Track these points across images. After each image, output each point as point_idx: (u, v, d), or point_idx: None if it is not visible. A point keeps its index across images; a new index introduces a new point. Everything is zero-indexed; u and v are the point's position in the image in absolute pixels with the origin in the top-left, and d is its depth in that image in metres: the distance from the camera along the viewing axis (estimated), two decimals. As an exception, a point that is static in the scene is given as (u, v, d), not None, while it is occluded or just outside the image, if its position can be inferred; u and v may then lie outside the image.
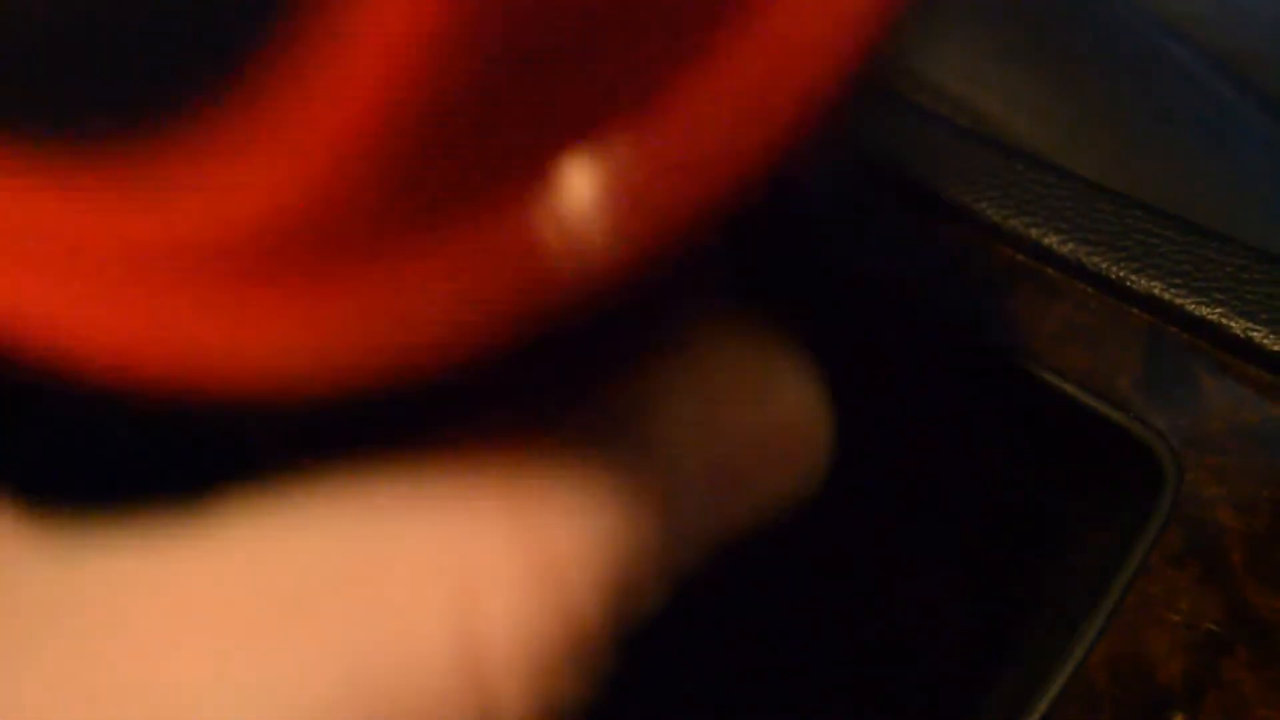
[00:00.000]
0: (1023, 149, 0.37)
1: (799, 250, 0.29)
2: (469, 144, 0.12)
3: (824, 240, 0.30)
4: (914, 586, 0.32)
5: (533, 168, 0.12)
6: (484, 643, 0.13)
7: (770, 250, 0.17)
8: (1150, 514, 0.27)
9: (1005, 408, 0.29)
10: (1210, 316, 0.28)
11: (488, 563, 0.13)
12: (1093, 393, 0.28)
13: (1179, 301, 0.28)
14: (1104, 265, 0.29)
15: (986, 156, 0.31)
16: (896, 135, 0.31)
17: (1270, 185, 0.38)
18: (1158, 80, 0.40)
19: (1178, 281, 0.28)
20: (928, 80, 0.40)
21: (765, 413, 0.16)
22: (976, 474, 0.31)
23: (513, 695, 0.13)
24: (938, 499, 0.31)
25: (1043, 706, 0.25)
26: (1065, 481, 0.29)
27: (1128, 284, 0.29)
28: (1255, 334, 0.28)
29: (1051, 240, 0.29)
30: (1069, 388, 0.28)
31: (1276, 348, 0.28)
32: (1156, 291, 0.28)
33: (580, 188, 0.12)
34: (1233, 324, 0.28)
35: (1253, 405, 0.27)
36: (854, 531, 0.31)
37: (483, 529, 0.13)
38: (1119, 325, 0.28)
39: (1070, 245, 0.29)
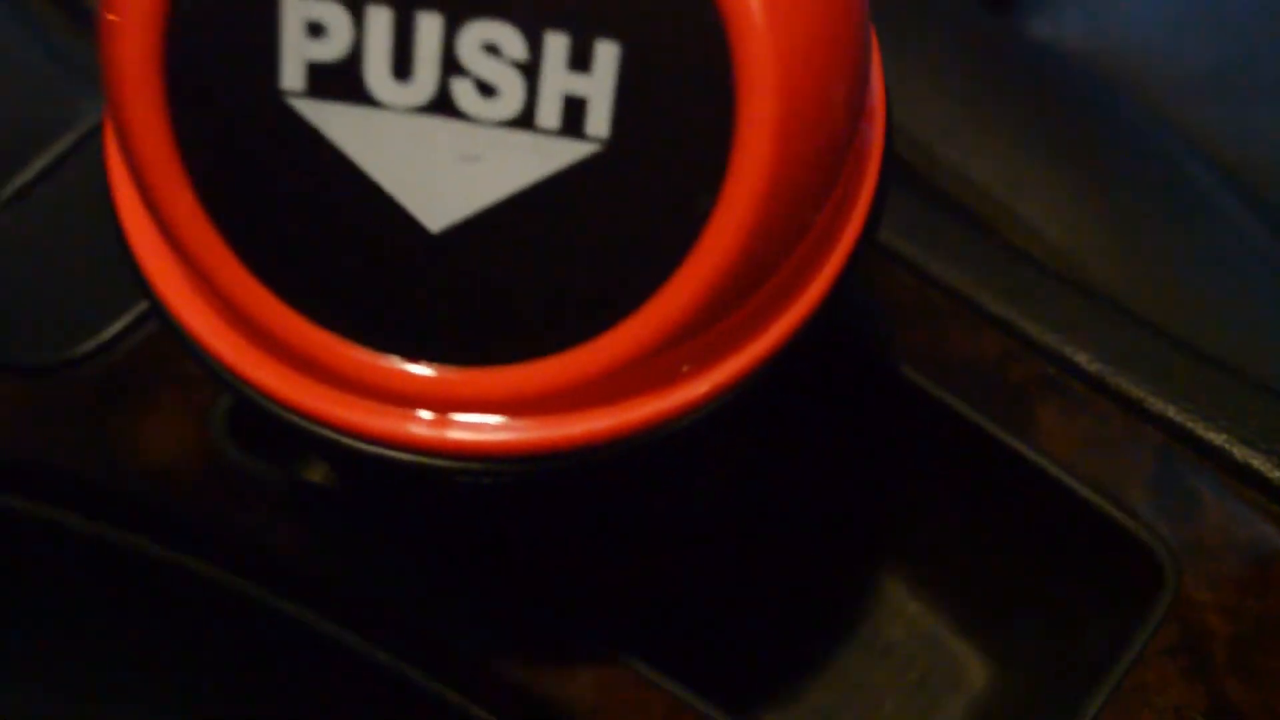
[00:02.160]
0: (1055, 260, 0.41)
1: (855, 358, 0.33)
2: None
3: (871, 344, 0.34)
4: (939, 655, 0.36)
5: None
6: None
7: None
8: (1149, 610, 0.31)
9: (1030, 506, 0.33)
10: (1215, 441, 0.32)
11: None
12: (1107, 498, 0.32)
13: (1189, 425, 0.32)
14: (1125, 385, 0.33)
15: (1026, 273, 0.35)
16: (944, 246, 0.35)
17: (1274, 307, 0.42)
18: (1181, 201, 0.44)
19: (1189, 407, 0.32)
20: (973, 183, 0.44)
21: None
22: (1002, 562, 0.35)
23: None
24: (969, 583, 0.35)
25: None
26: (1077, 574, 0.33)
27: (1145, 404, 0.33)
28: (1254, 461, 0.32)
29: (1080, 358, 0.33)
30: (1086, 492, 0.32)
31: (1270, 475, 0.31)
32: (1170, 414, 0.32)
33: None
34: (1235, 450, 0.32)
35: (1246, 524, 0.31)
36: (894, 604, 0.35)
37: None
38: (1134, 440, 0.32)
39: (1096, 364, 0.33)
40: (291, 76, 0.20)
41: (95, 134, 0.36)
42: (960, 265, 0.35)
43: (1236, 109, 0.49)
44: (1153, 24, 0.51)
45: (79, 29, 0.39)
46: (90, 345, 0.34)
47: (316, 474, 0.32)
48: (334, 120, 0.20)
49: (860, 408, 0.35)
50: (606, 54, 0.19)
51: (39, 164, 0.37)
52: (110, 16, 0.20)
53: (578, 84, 0.19)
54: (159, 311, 0.24)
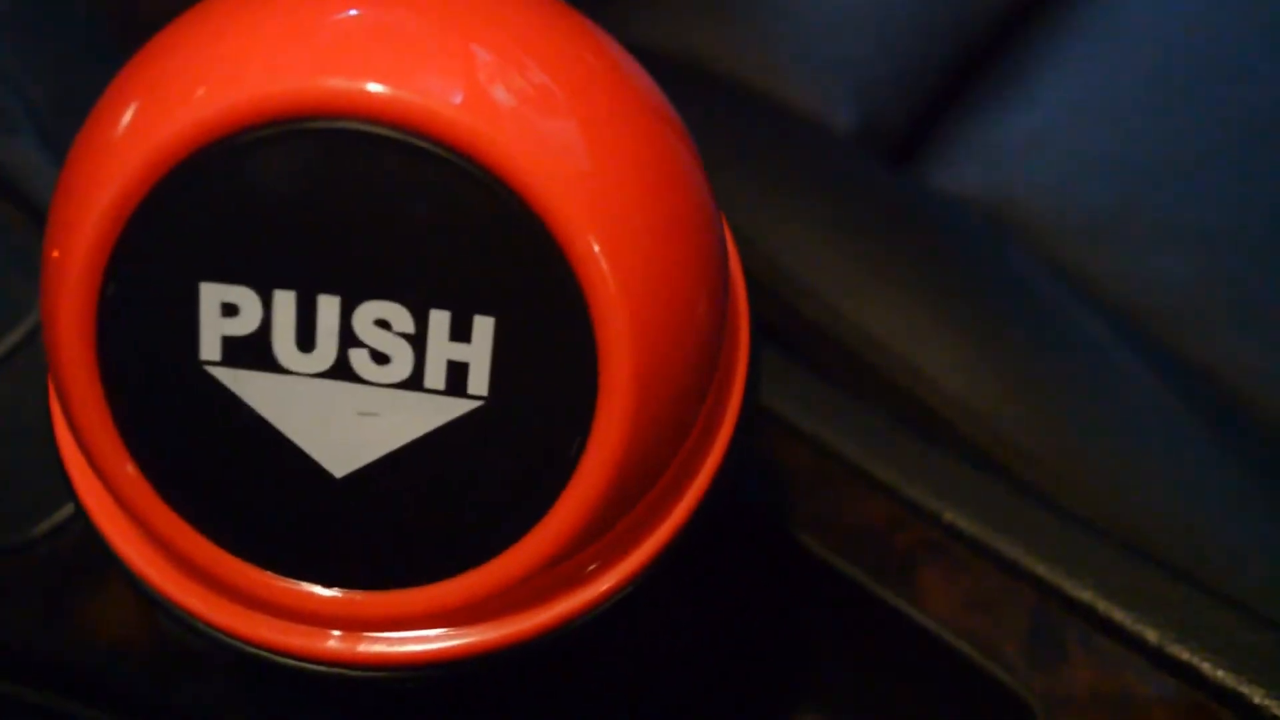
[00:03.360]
0: (953, 410, 0.44)
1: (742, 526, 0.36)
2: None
3: (771, 512, 0.36)
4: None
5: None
6: None
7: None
8: (1027, 758, 0.34)
9: (916, 660, 0.36)
10: (1082, 598, 0.35)
11: None
12: (985, 654, 0.35)
13: (1058, 583, 0.35)
14: (1001, 547, 0.36)
15: (914, 441, 0.38)
16: (840, 418, 0.38)
17: (1160, 458, 0.45)
18: (1074, 351, 0.47)
19: (1059, 567, 0.35)
20: (872, 338, 0.47)
21: None
22: (897, 709, 0.37)
23: None
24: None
25: None
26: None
27: (1019, 565, 0.35)
28: (1115, 614, 0.34)
29: (961, 522, 0.36)
30: (965, 649, 0.35)
31: (1131, 627, 0.34)
32: (1041, 572, 0.35)
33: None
34: (1099, 605, 0.35)
35: (1112, 675, 0.34)
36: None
37: None
38: (1010, 598, 0.35)
39: (976, 528, 0.36)
40: (209, 348, 0.22)
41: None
42: (854, 436, 0.38)
43: (1131, 253, 0.52)
44: (1049, 172, 0.54)
45: (37, 229, 0.41)
46: (45, 527, 0.36)
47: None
48: (247, 384, 0.23)
49: (758, 572, 0.38)
50: (483, 326, 0.22)
51: (-4, 349, 0.39)
52: (54, 253, 0.23)
53: (459, 351, 0.22)
54: (90, 532, 0.26)
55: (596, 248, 0.22)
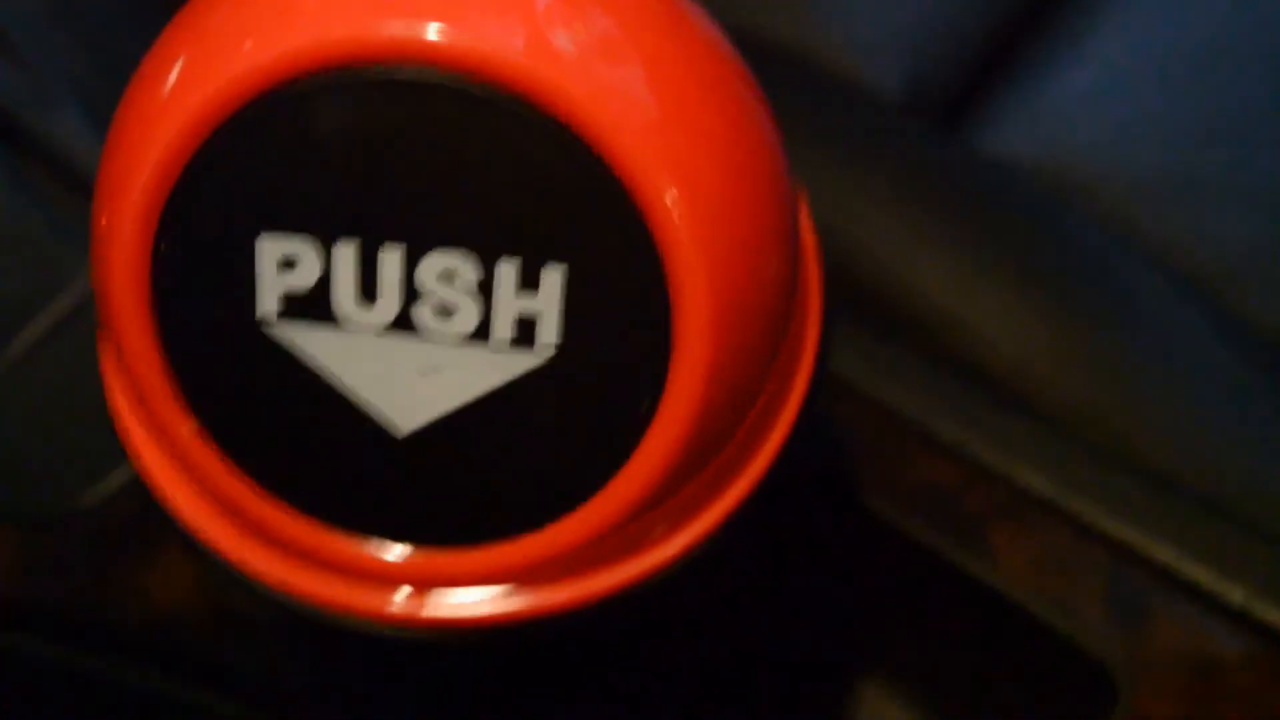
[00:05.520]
0: (1009, 374, 0.43)
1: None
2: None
3: (833, 476, 0.36)
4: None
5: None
6: None
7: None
8: (1106, 724, 0.33)
9: (989, 625, 0.35)
10: (1161, 558, 0.34)
11: None
12: (1061, 616, 0.34)
13: (1136, 543, 0.34)
14: (1075, 507, 0.35)
15: (981, 399, 0.37)
16: (901, 376, 0.37)
17: (1225, 417, 0.44)
18: (1134, 311, 0.46)
19: (1136, 526, 0.34)
20: (927, 300, 0.46)
21: None
22: (969, 677, 0.36)
23: None
24: (941, 696, 0.37)
25: None
26: (1037, 689, 0.35)
27: (1095, 525, 0.34)
28: (1197, 574, 0.33)
29: (1033, 482, 0.35)
30: (1041, 610, 0.34)
31: (1215, 589, 0.33)
32: (1119, 533, 0.34)
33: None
34: (1181, 567, 0.34)
35: (1196, 637, 0.33)
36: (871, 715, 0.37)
37: None
38: (1085, 560, 0.34)
39: (1048, 488, 0.35)
40: (267, 303, 0.22)
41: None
42: (918, 396, 0.37)
43: (1188, 213, 0.51)
44: (1102, 133, 0.53)
45: (79, 200, 0.41)
46: (95, 496, 0.36)
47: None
48: (307, 340, 0.22)
49: (823, 535, 0.37)
50: (553, 276, 0.21)
51: (44, 323, 0.39)
52: (104, 220, 0.23)
53: (528, 303, 0.21)
54: (148, 494, 0.25)
55: (668, 195, 0.21)
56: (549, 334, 0.22)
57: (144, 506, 0.35)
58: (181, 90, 0.21)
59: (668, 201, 0.21)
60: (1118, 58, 0.54)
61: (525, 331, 0.21)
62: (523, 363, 0.22)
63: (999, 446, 0.36)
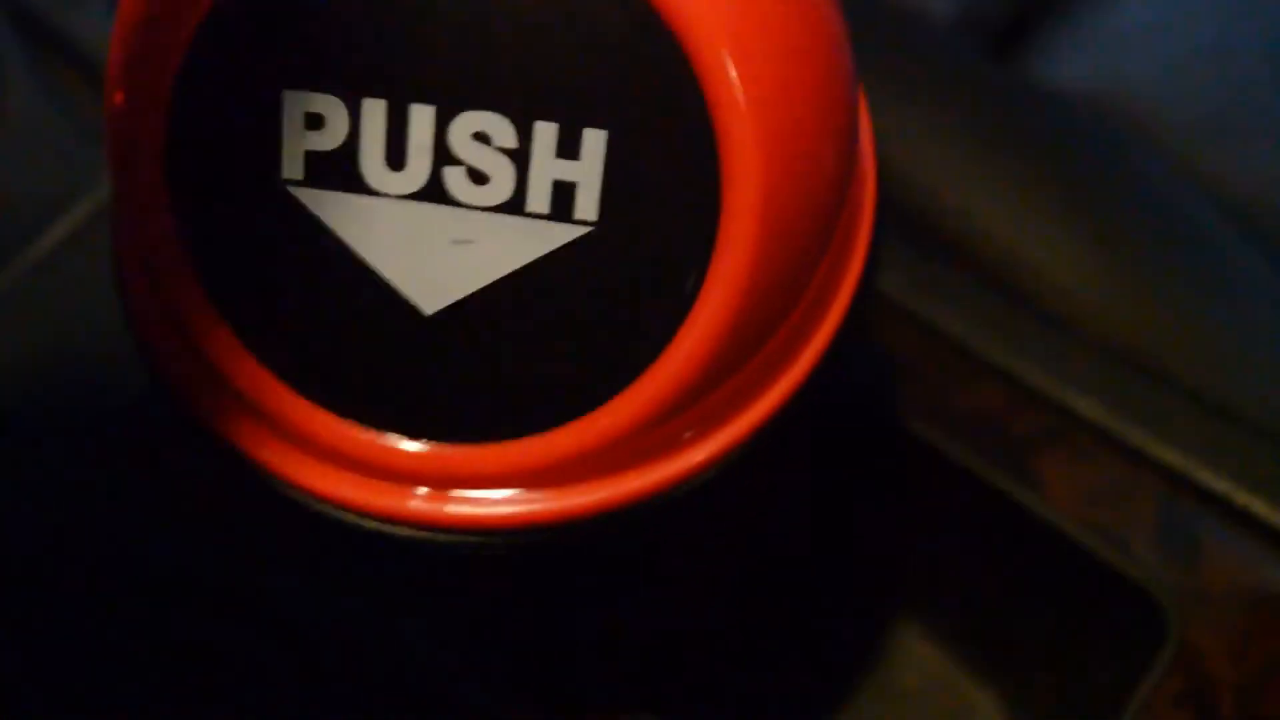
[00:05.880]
0: (1061, 303, 0.41)
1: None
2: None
3: (874, 397, 0.34)
4: (952, 699, 0.36)
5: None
6: None
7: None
8: (1155, 658, 0.31)
9: (1035, 556, 0.33)
10: (1217, 488, 0.32)
11: None
12: (1110, 547, 0.32)
13: (1190, 472, 0.33)
14: (1126, 434, 0.33)
15: (1028, 323, 0.36)
16: (946, 297, 0.36)
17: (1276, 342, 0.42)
18: (1189, 244, 0.44)
19: (1191, 454, 0.33)
20: (977, 227, 0.44)
21: None
22: (1011, 609, 0.35)
23: None
24: (981, 629, 0.36)
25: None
26: (1084, 622, 0.34)
27: (1146, 452, 0.33)
28: (1255, 506, 0.32)
29: (1082, 408, 0.34)
30: (1090, 542, 0.32)
31: (1272, 520, 0.32)
32: (1171, 461, 0.33)
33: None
34: (1237, 496, 0.32)
35: (1249, 570, 0.32)
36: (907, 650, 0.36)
37: None
38: (1136, 489, 0.33)
39: (1099, 414, 0.33)
40: (291, 166, 0.20)
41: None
42: (963, 317, 0.35)
43: (1243, 148, 0.50)
44: (1158, 66, 0.52)
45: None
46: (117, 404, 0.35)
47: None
48: (331, 207, 0.21)
49: (865, 460, 0.36)
50: (594, 141, 0.20)
51: (69, 224, 0.38)
52: (117, 98, 0.21)
53: (566, 170, 0.20)
54: (162, 387, 0.24)
55: (729, 65, 0.20)
56: (588, 206, 0.20)
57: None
58: None
59: (729, 70, 0.20)
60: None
61: (563, 201, 0.20)
62: (559, 235, 0.20)
63: (1048, 370, 0.34)
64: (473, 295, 0.21)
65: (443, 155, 0.20)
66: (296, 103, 0.20)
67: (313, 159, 0.20)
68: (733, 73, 0.20)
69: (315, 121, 0.20)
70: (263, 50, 0.20)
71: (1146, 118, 0.50)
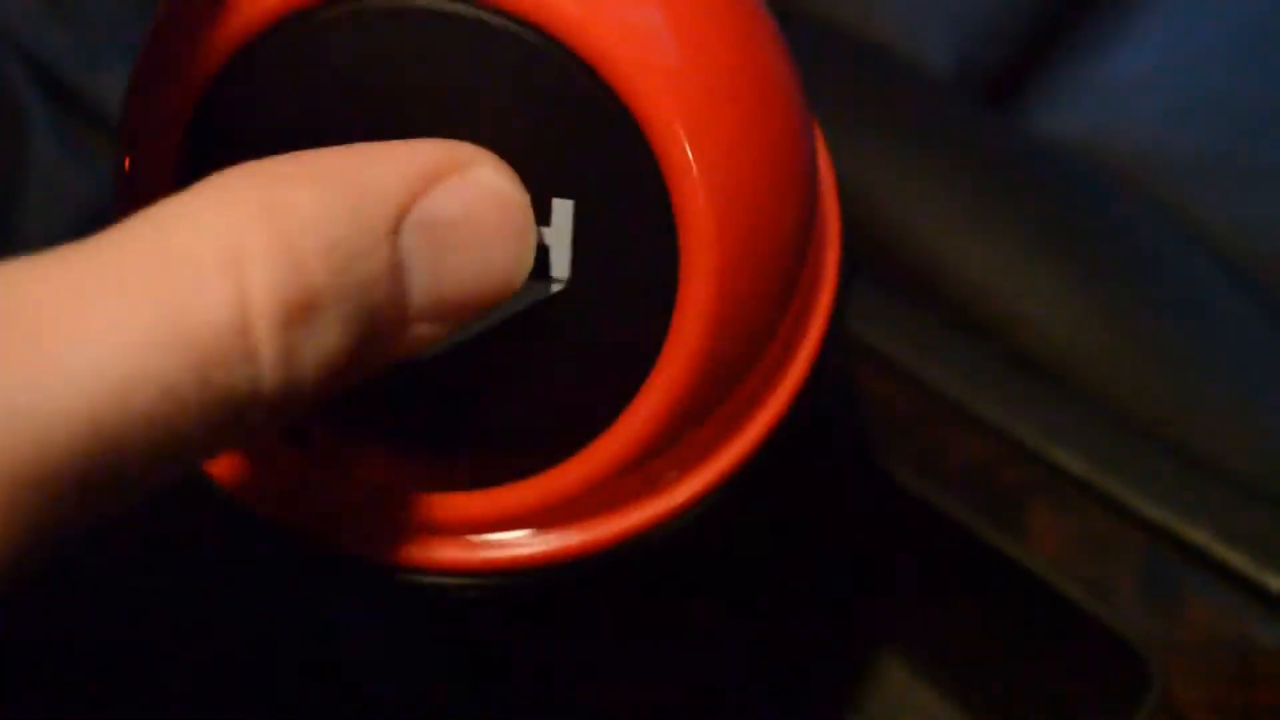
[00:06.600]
0: (1054, 356, 0.42)
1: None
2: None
3: (867, 451, 0.35)
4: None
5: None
6: (250, 300, 0.16)
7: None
8: (1138, 708, 0.32)
9: (1022, 605, 0.34)
10: (1199, 541, 0.33)
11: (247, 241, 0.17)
12: (1094, 598, 0.33)
13: (1173, 526, 0.33)
14: (1111, 487, 0.34)
15: (1019, 377, 0.36)
16: (939, 351, 0.37)
17: (1269, 402, 0.43)
18: (1181, 296, 0.45)
19: (1175, 508, 0.33)
20: (972, 281, 0.45)
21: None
22: (1000, 657, 0.36)
23: (271, 347, 0.17)
24: (970, 676, 0.36)
25: None
26: (1069, 671, 0.34)
27: (1130, 506, 0.34)
28: (1236, 560, 0.33)
29: (1069, 461, 0.34)
30: (1074, 592, 0.33)
31: (1250, 573, 0.32)
32: (1154, 515, 0.33)
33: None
34: (1218, 550, 0.33)
35: (1231, 621, 0.32)
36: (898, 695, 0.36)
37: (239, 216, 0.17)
38: (1120, 541, 0.33)
39: (1085, 467, 0.34)
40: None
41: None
42: (955, 371, 0.36)
43: (1237, 197, 0.50)
44: (1153, 113, 0.52)
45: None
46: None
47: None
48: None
49: (858, 511, 0.37)
50: (562, 209, 0.21)
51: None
52: (126, 162, 0.23)
53: (540, 234, 0.21)
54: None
55: (681, 133, 0.21)
56: (560, 265, 0.21)
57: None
58: (193, 27, 0.21)
59: (679, 136, 0.21)
60: (1169, 39, 0.53)
61: (537, 261, 0.21)
62: (535, 292, 0.21)
63: (1036, 423, 0.35)
64: (449, 350, 0.22)
65: None
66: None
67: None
68: (685, 143, 0.21)
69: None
70: (253, 127, 0.21)
71: (1141, 165, 0.50)
